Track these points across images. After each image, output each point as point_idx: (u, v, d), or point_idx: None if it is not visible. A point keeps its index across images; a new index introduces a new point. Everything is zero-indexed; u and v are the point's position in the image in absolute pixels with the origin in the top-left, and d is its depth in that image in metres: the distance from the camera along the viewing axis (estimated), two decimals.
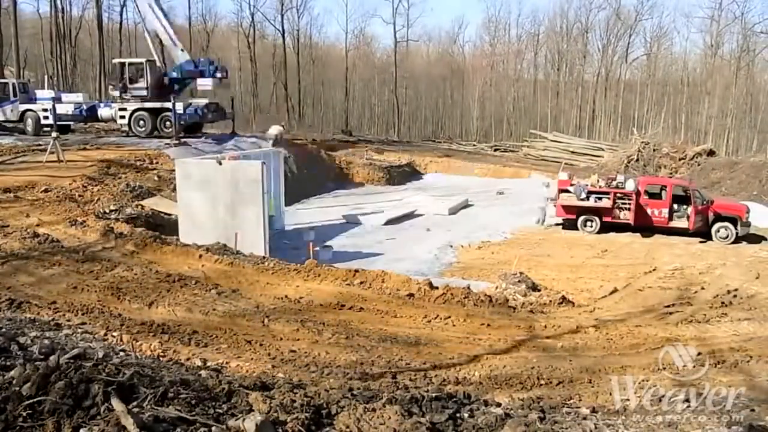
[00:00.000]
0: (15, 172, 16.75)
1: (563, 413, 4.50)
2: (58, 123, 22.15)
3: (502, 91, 55.11)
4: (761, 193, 23.68)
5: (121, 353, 5.93)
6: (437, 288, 9.99)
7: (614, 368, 7.21)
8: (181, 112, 23.14)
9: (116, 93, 24.23)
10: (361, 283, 10.06)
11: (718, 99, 44.96)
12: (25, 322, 6.92)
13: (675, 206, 17.57)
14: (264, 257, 11.79)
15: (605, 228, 17.71)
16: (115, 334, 7.26)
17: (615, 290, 11.54)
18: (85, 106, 24.54)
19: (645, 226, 17.57)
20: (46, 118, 23.84)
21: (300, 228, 17.03)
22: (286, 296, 9.39)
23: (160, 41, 25.74)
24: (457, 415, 3.82)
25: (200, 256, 10.98)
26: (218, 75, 24.23)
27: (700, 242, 16.72)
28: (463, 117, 56.93)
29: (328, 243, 15.37)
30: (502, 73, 56.41)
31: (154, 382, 3.52)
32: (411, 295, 9.63)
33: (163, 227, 14.25)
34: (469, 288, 10.10)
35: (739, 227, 16.94)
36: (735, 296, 10.75)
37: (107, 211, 14.15)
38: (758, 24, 46.69)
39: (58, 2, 44.54)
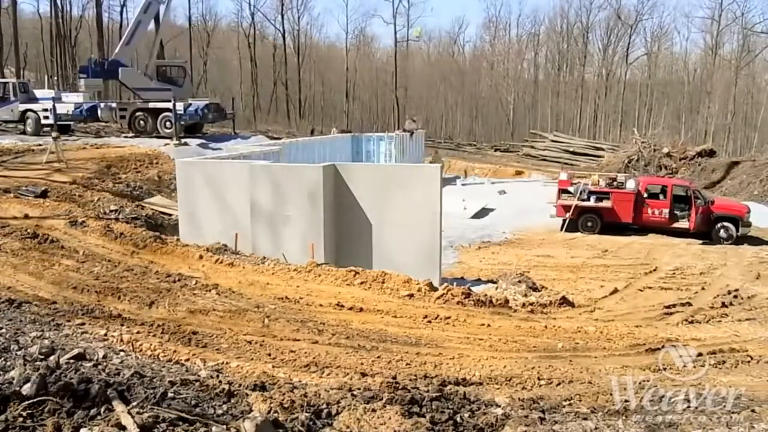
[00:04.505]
0: (15, 172, 16.73)
1: (563, 413, 4.50)
2: (59, 123, 22.14)
3: (502, 91, 55.13)
4: (761, 193, 23.68)
5: (121, 353, 5.91)
6: (437, 288, 9.98)
7: (614, 368, 7.20)
8: (182, 112, 23.16)
9: None
10: (362, 283, 10.03)
11: (719, 99, 44.98)
12: (25, 322, 6.91)
13: (676, 206, 17.56)
14: (264, 257, 11.77)
15: (605, 228, 17.71)
16: (115, 334, 7.23)
17: (615, 290, 11.53)
18: (85, 106, 24.52)
19: (645, 227, 17.57)
20: (46, 118, 23.82)
21: None
22: (286, 296, 9.37)
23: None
24: (457, 415, 3.82)
25: (200, 256, 10.97)
26: None
27: (701, 243, 16.72)
28: (464, 117, 56.95)
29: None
30: (503, 73, 56.43)
31: (154, 382, 3.52)
32: (411, 295, 9.61)
33: (163, 227, 14.26)
34: (469, 288, 10.09)
35: (740, 227, 16.93)
36: (735, 297, 10.75)
37: (107, 211, 14.16)
38: (758, 24, 46.80)
39: (58, 2, 44.64)
